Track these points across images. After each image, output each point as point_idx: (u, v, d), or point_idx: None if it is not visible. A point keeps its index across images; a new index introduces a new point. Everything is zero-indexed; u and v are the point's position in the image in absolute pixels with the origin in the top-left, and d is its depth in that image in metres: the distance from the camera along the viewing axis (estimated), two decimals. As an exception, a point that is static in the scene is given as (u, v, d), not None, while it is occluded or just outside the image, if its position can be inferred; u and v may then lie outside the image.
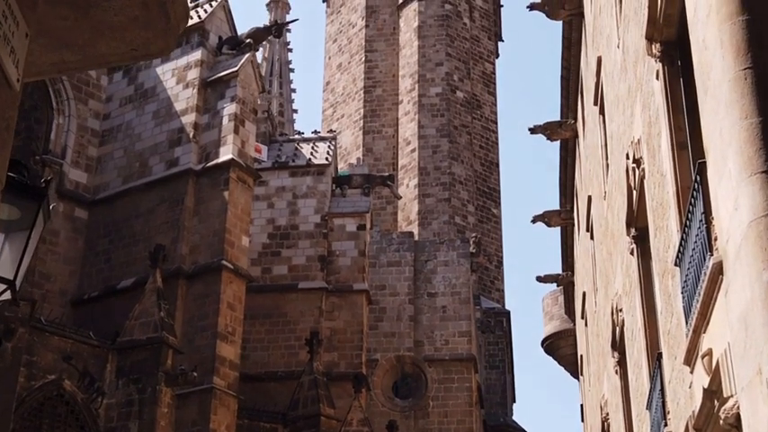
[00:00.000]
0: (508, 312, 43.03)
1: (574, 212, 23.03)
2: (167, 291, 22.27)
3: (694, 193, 6.91)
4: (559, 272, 26.49)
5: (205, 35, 26.36)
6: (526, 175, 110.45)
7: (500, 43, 52.65)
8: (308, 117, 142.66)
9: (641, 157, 10.11)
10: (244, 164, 24.86)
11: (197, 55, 26.02)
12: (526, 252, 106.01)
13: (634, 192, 10.73)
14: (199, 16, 26.63)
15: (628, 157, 10.92)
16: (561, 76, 20.45)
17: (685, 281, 7.46)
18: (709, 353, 6.60)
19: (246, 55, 25.63)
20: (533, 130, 21.33)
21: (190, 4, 27.25)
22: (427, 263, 35.42)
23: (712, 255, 6.38)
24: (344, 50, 50.45)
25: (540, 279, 26.51)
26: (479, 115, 47.84)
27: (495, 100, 49.42)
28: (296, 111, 53.62)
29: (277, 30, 28.38)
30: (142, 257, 23.36)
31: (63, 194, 25.68)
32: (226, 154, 24.58)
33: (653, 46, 8.87)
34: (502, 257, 46.43)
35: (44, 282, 24.69)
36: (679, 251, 7.63)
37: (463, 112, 46.41)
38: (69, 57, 4.33)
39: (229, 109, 25.02)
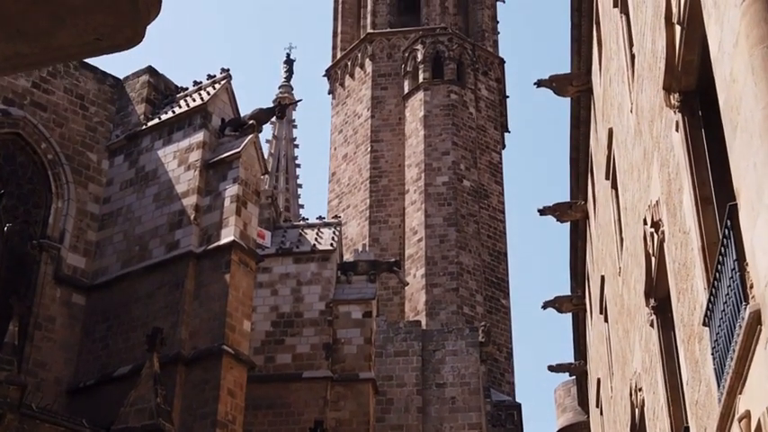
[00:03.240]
0: (519, 405, 41.99)
1: (585, 298, 22.60)
2: (165, 376, 21.58)
3: (725, 240, 6.48)
4: (572, 361, 25.88)
5: (207, 117, 26.09)
6: (535, 263, 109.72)
7: (506, 134, 52.72)
8: (313, 209, 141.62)
9: (660, 220, 9.76)
10: (245, 246, 24.32)
11: (199, 137, 25.73)
12: (537, 340, 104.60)
13: (653, 258, 10.37)
14: (201, 98, 26.45)
15: (645, 223, 10.54)
16: (570, 157, 20.22)
17: (716, 340, 6.98)
18: (747, 415, 6.11)
19: (249, 136, 25.30)
20: (543, 212, 21.09)
21: (192, 87, 27.13)
22: (435, 352, 34.63)
23: (748, 304, 5.87)
24: (350, 141, 50.36)
25: (551, 369, 25.96)
26: (486, 205, 47.43)
27: (503, 189, 49.12)
28: (302, 206, 53.42)
29: (280, 111, 28.19)
30: (141, 343, 22.68)
31: (60, 280, 25.17)
32: (227, 236, 24.08)
33: (671, 96, 8.57)
34: (511, 349, 45.52)
35: (39, 370, 23.99)
36: (708, 308, 7.19)
37: (470, 201, 46.04)
38: (26, 49, 3.84)
39: (231, 190, 24.61)
